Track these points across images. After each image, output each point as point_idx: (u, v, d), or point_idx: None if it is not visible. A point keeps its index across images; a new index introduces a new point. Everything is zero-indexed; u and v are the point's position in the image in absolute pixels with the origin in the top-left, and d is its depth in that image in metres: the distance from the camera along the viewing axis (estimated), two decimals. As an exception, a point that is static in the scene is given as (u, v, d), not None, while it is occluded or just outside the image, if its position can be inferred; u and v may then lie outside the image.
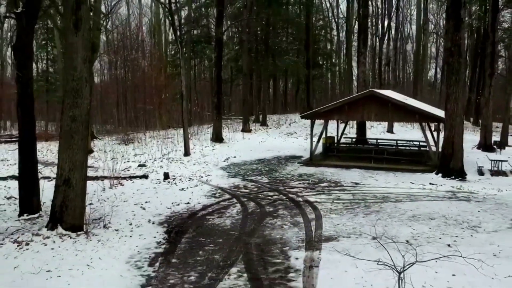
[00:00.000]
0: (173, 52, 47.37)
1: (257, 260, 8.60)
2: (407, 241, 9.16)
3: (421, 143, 22.31)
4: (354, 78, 47.57)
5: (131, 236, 10.29)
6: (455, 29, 16.74)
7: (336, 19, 55.36)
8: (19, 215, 12.07)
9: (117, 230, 10.71)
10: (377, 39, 47.43)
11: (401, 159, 20.62)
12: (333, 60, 55.77)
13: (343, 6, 52.28)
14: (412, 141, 24.71)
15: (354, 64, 42.11)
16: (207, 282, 7.54)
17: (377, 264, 6.53)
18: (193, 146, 25.54)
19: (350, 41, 46.51)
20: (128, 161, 22.22)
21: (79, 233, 10.30)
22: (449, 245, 9.13)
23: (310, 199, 13.96)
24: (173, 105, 40.44)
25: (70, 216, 10.39)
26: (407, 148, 24.10)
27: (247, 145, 26.94)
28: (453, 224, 10.83)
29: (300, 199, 14.01)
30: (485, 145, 25.08)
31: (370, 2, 43.52)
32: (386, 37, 43.02)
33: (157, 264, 8.50)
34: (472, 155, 22.44)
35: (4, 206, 13.39)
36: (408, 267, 5.82)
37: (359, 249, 8.71)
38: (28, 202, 12.15)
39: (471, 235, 9.91)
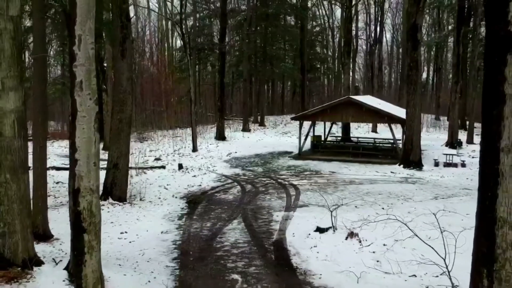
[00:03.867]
0: (179, 58, 51.47)
1: (251, 217, 12.77)
2: (355, 206, 13.31)
3: (397, 141, 26.40)
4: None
5: (161, 204, 14.47)
6: (413, 48, 20.91)
7: (331, 26, 59.49)
8: (72, 193, 16.24)
9: (150, 201, 14.89)
10: (369, 45, 51.49)
11: (374, 153, 24.76)
12: (329, 65, 60.03)
13: (338, 13, 56.65)
14: (388, 139, 28.83)
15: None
16: (218, 226, 11.72)
17: (321, 209, 10.70)
18: (200, 143, 29.64)
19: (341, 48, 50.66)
20: (145, 156, 26.33)
21: (124, 203, 14.48)
22: (383, 208, 13.26)
23: (294, 182, 18.12)
24: (180, 107, 44.56)
25: (117, 190, 14.59)
26: (382, 145, 28.24)
27: (246, 142, 31.11)
28: (393, 197, 15.00)
29: (286, 182, 18.17)
30: (451, 143, 29.23)
31: (366, 7, 47.85)
32: (377, 43, 46.94)
33: (183, 218, 12.68)
34: (438, 151, 26.55)
35: (58, 187, 17.54)
36: (335, 208, 9.99)
37: (320, 210, 12.85)
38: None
39: (402, 203, 14.06)
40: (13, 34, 7.18)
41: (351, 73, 33.64)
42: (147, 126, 40.17)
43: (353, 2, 36.72)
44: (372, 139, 29.88)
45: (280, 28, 44.66)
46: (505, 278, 4.74)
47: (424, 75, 64.50)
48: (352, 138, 31.24)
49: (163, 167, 22.17)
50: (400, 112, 25.02)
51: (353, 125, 36.83)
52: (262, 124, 39.90)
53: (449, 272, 6.44)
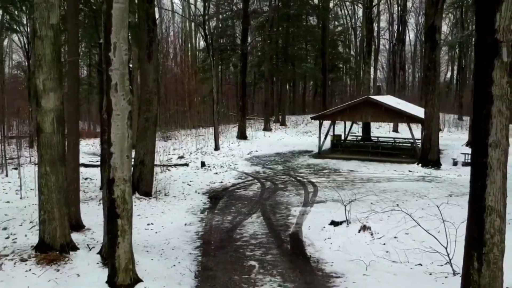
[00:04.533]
0: (202, 58, 52.43)
1: (269, 211, 13.39)
2: (371, 202, 13.79)
3: (416, 140, 26.69)
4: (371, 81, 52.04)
5: (185, 199, 15.21)
6: (431, 49, 21.20)
7: (353, 26, 59.64)
8: (100, 188, 17.12)
9: (174, 196, 15.65)
10: (392, 44, 51.53)
11: (393, 153, 25.09)
12: (352, 64, 60.20)
13: (360, 13, 56.76)
14: (408, 139, 29.08)
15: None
16: (238, 219, 12.38)
17: (337, 204, 11.25)
18: (222, 142, 30.40)
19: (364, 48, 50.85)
20: (169, 154, 27.21)
21: (150, 197, 15.27)
22: (397, 205, 13.72)
23: (312, 180, 18.66)
24: (203, 107, 45.49)
25: (144, 186, 15.39)
26: (402, 144, 28.50)
27: (267, 141, 31.75)
28: (408, 195, 15.40)
29: (305, 180, 18.73)
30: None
31: (389, 6, 47.91)
32: (400, 43, 46.94)
33: (205, 212, 13.38)
34: (458, 151, 26.70)
35: (86, 182, 18.47)
36: (349, 203, 10.54)
37: (335, 206, 13.39)
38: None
39: (416, 200, 14.47)
40: (53, 40, 7.97)
41: (372, 73, 33.92)
42: (171, 126, 41.19)
43: (374, 3, 37.05)
44: (392, 139, 30.15)
45: (301, 29, 45.12)
46: (492, 261, 5.26)
47: (448, 74, 64.20)
48: (372, 138, 31.55)
49: (186, 164, 22.97)
50: (420, 112, 25.24)
51: (374, 125, 37.19)
52: (283, 123, 40.48)
53: (450, 260, 6.94)
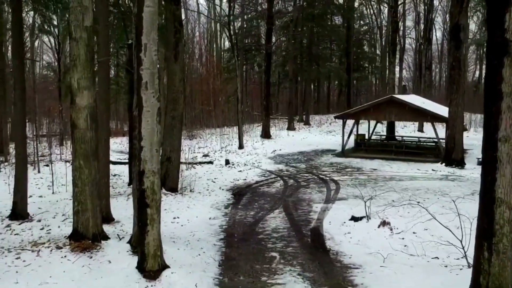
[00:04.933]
0: (227, 58, 53.00)
1: (291, 207, 13.72)
2: (392, 200, 13.98)
3: (440, 140, 26.59)
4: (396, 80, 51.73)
5: (209, 195, 15.66)
6: (456, 48, 21.15)
7: (379, 25, 59.33)
8: (128, 184, 17.72)
9: (199, 192, 16.12)
10: (418, 44, 51.07)
11: (417, 152, 25.08)
12: (377, 64, 59.86)
13: (386, 12, 56.32)
14: (432, 138, 28.95)
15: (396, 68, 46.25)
16: (260, 215, 12.75)
17: (359, 201, 11.51)
18: (246, 141, 30.82)
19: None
20: (194, 152, 27.78)
21: (176, 193, 15.77)
22: (418, 202, 13.85)
23: (335, 178, 18.90)
24: (228, 106, 46.04)
25: (170, 182, 15.90)
26: (426, 144, 28.42)
27: (291, 140, 32.03)
28: (430, 193, 15.51)
29: (327, 178, 18.98)
30: (498, 143, 28.98)
31: (415, 5, 47.59)
32: (426, 42, 46.55)
33: (229, 207, 13.79)
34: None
35: (115, 179, 19.11)
36: (369, 199, 10.79)
37: (357, 203, 13.63)
38: (136, 175, 17.85)
39: (438, 198, 14.58)
40: (87, 41, 8.49)
41: (397, 72, 33.85)
42: (196, 125, 41.84)
43: (400, 2, 36.92)
44: (417, 138, 30.06)
45: (326, 28, 45.19)
46: (502, 251, 5.50)
47: (477, 73, 63.19)
48: (396, 137, 31.49)
49: (211, 162, 23.47)
50: (445, 111, 25.07)
51: (399, 124, 37.02)
52: (307, 123, 40.67)
53: (465, 252, 7.16)
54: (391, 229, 10.29)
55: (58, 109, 36.65)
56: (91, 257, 7.94)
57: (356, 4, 49.62)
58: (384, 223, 10.56)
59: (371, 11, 57.62)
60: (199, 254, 8.62)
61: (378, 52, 60.47)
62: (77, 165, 8.59)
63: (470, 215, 8.65)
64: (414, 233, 9.91)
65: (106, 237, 9.01)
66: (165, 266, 7.33)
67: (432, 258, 8.33)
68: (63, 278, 6.99)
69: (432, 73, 53.66)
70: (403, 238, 9.71)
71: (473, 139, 31.62)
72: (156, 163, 6.99)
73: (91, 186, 8.69)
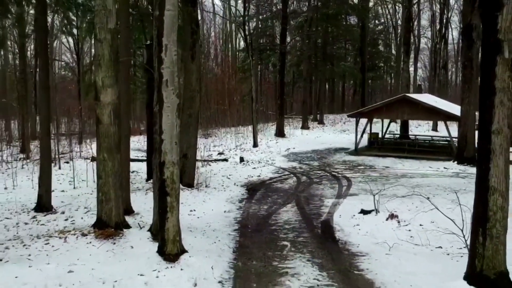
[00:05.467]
0: (242, 58, 53.60)
1: (303, 202, 14.20)
2: (403, 196, 14.36)
3: (453, 138, 26.80)
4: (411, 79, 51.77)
5: (224, 191, 16.21)
6: (468, 48, 21.41)
7: (394, 25, 59.34)
8: (146, 180, 18.37)
9: (215, 188, 16.68)
10: (434, 43, 51.01)
11: (429, 150, 25.33)
12: (393, 63, 59.89)
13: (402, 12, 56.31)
14: (445, 137, 29.13)
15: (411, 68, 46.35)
16: (273, 208, 13.26)
17: (369, 197, 11.95)
18: (260, 140, 31.33)
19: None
20: (209, 150, 28.38)
21: (192, 188, 16.36)
22: (428, 198, 14.21)
23: (347, 175, 19.31)
24: (242, 106, 46.61)
25: (186, 178, 16.49)
26: (439, 142, 28.62)
27: (304, 139, 32.47)
28: (440, 189, 15.85)
29: (339, 175, 19.39)
30: None
31: (430, 6, 47.63)
32: (442, 41, 46.55)
33: (243, 202, 14.33)
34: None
35: (133, 175, 19.76)
36: (378, 193, 11.22)
37: (367, 198, 14.05)
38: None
39: (447, 194, 14.91)
40: (111, 42, 9.08)
41: (412, 71, 34.06)
42: (211, 124, 42.48)
43: (414, 1, 37.08)
44: (430, 137, 30.26)
45: (340, 28, 45.50)
46: (495, 235, 5.93)
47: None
48: (410, 136, 31.72)
49: (225, 160, 24.04)
50: (458, 111, 25.37)
51: (413, 124, 37.25)
52: (321, 122, 41.05)
53: (466, 241, 7.58)
54: (399, 222, 10.71)
55: (78, 109, 37.61)
56: (114, 243, 8.53)
57: (371, 4, 49.84)
58: (392, 216, 10.98)
59: (387, 10, 57.74)
60: (215, 242, 9.16)
61: (393, 51, 60.52)
62: (101, 158, 9.19)
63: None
64: (420, 225, 10.31)
65: (127, 226, 9.60)
66: (183, 251, 7.89)
67: (436, 247, 8.76)
68: (90, 261, 7.58)
69: (448, 72, 53.57)
70: (409, 230, 10.13)
71: (487, 138, 31.77)
72: (176, 154, 7.55)
73: (114, 178, 9.29)
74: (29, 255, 7.98)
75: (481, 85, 6.01)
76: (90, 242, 8.59)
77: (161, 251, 7.70)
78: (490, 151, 5.85)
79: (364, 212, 11.64)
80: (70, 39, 42.82)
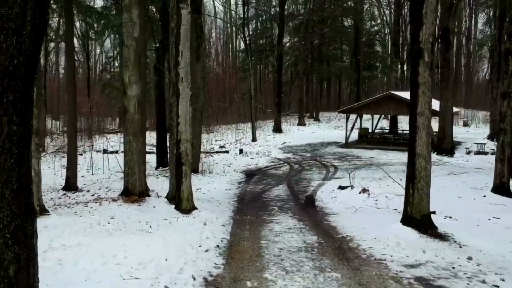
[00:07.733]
0: (242, 58, 55.89)
1: (293, 183, 16.54)
2: (379, 178, 16.69)
3: (434, 132, 29.07)
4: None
5: (225, 175, 18.56)
6: (445, 49, 23.75)
7: (389, 25, 61.53)
8: (156, 168, 20.72)
9: (217, 174, 19.03)
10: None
11: (413, 143, 27.60)
12: (388, 63, 62.14)
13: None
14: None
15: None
16: (267, 188, 15.60)
17: (349, 177, 14.29)
18: (259, 135, 33.67)
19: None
20: (211, 144, 30.72)
21: (197, 174, 18.66)
22: (401, 179, 16.51)
23: (335, 164, 21.65)
24: (242, 104, 48.98)
25: (192, 164, 18.80)
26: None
27: (300, 134, 34.83)
28: (413, 173, 18.17)
29: (328, 164, 21.74)
30: (493, 136, 31.37)
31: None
32: (437, 41, 48.85)
33: (242, 183, 16.67)
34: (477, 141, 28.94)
35: (144, 164, 22.11)
36: (352, 171, 13.55)
37: (347, 180, 16.36)
38: (161, 160, 20.83)
39: (418, 177, 17.23)
40: (135, 48, 11.42)
41: (405, 71, 36.41)
42: (213, 121, 44.87)
43: (403, 5, 39.34)
44: (416, 132, 32.56)
45: (336, 30, 47.83)
46: (420, 188, 8.27)
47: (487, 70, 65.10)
48: (398, 131, 34.06)
49: (226, 152, 26.40)
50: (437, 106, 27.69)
51: (404, 119, 39.52)
52: (317, 119, 43.41)
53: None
54: (369, 194, 13.03)
55: (87, 106, 39.91)
56: (139, 205, 10.89)
57: (366, 6, 52.11)
58: (364, 190, 13.30)
59: (382, 12, 59.94)
60: (218, 206, 11.53)
61: (389, 51, 62.79)
62: (127, 139, 11.55)
63: (435, 185, 11.38)
64: (386, 196, 12.63)
65: (148, 195, 11.97)
66: (194, 208, 10.25)
67: (393, 209, 11.08)
68: (123, 215, 9.90)
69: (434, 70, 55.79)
70: (376, 200, 12.45)
71: (471, 133, 34.24)
72: (189, 134, 9.91)
73: (138, 155, 11.65)
74: (75, 212, 10.33)
75: (410, 80, 8.33)
76: (120, 205, 10.94)
77: (177, 207, 10.07)
78: (416, 127, 8.17)
79: (341, 188, 13.97)
80: (75, 40, 45.12)
